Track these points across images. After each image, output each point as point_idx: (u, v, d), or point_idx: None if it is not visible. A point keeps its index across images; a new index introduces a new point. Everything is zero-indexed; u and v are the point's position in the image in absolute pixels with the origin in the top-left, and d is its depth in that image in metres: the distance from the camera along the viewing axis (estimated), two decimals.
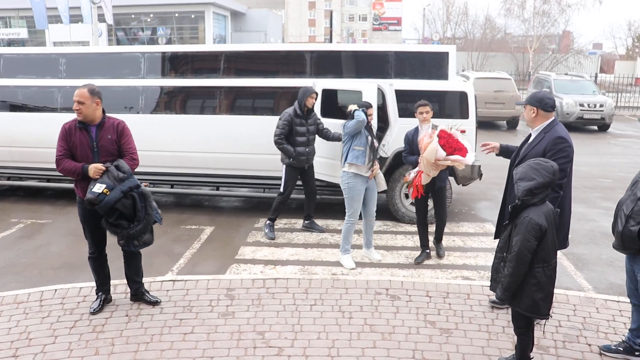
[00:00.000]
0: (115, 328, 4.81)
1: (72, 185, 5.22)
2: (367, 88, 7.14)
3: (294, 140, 7.17)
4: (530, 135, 4.80)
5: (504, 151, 5.20)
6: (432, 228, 6.84)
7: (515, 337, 4.23)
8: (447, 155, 5.89)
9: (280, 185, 7.50)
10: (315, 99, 7.22)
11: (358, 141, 6.24)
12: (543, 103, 4.62)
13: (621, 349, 4.48)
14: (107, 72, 8.59)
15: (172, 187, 8.78)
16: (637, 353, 4.44)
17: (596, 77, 27.87)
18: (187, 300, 5.32)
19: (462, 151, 5.94)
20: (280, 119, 7.21)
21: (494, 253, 4.19)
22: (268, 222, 7.50)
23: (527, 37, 46.46)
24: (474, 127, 7.76)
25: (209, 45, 19.99)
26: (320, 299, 5.34)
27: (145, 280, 5.43)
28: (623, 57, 60.35)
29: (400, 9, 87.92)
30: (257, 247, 7.03)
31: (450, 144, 5.90)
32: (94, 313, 5.02)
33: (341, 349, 4.50)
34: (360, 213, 6.51)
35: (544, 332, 4.63)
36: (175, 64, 8.64)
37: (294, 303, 5.26)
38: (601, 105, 18.48)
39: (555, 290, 5.56)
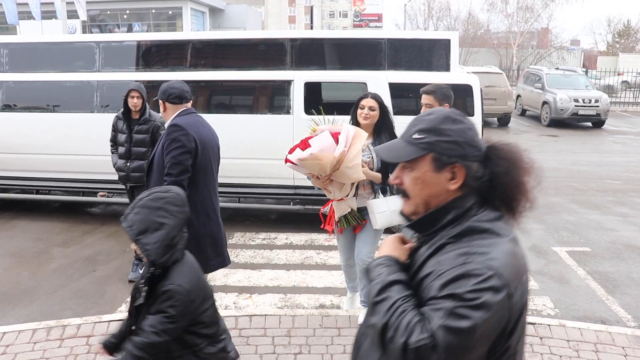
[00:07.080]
0: None
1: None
2: (373, 78, 6.09)
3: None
4: None
5: None
6: None
7: None
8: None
9: None
10: (139, 99, 5.56)
11: None
12: (167, 94, 3.96)
13: None
14: None
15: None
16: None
17: (586, 71, 27.16)
18: None
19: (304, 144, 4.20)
20: None
21: None
22: None
23: (509, 33, 45.86)
24: (479, 126, 6.76)
25: (166, 34, 17.79)
26: None
27: None
28: (603, 52, 60.20)
29: (380, 5, 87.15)
30: None
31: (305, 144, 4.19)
32: None
33: None
34: None
35: None
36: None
37: None
38: (596, 101, 17.58)
39: None
